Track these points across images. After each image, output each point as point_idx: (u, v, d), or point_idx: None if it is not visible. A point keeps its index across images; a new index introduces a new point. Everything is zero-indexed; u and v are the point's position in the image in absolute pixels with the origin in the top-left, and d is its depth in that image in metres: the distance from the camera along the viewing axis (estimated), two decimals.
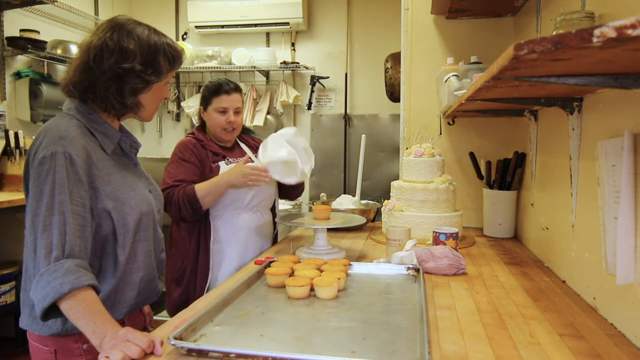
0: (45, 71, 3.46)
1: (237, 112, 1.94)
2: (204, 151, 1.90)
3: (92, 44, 1.16)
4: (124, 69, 1.16)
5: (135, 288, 1.23)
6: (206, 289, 1.87)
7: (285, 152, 1.76)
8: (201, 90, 2.01)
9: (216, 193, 1.80)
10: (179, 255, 1.89)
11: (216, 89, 1.91)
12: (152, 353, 0.93)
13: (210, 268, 1.87)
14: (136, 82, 1.18)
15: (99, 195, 1.14)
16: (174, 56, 1.24)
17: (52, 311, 1.02)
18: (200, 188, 1.77)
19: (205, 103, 1.94)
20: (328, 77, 4.22)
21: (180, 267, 1.88)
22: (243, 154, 2.03)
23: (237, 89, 1.95)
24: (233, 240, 1.90)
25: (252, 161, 1.94)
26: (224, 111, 1.91)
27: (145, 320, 1.41)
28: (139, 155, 1.36)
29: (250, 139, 2.15)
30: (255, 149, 2.03)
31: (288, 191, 2.09)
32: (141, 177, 1.31)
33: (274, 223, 2.11)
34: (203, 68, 4.18)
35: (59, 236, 1.04)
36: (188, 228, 1.88)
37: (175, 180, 1.80)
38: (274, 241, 2.13)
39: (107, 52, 1.15)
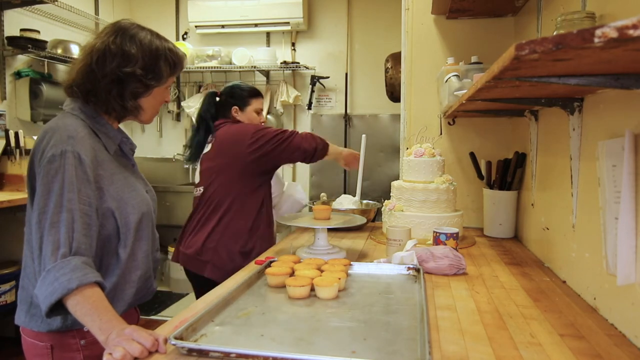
0: (46, 71, 3.46)
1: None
2: None
3: (95, 47, 1.18)
4: (125, 72, 1.18)
5: (134, 286, 1.25)
6: None
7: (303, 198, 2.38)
8: (230, 90, 2.15)
9: (329, 154, 2.10)
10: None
11: (255, 92, 2.17)
12: (156, 351, 0.93)
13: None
14: (137, 86, 1.21)
15: (103, 195, 1.15)
16: (175, 61, 1.27)
17: (56, 308, 1.02)
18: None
19: (243, 103, 2.14)
20: (328, 77, 4.22)
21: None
22: None
23: None
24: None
25: None
26: (260, 112, 2.18)
27: (138, 318, 1.42)
28: (139, 154, 1.37)
29: None
30: None
31: None
32: (139, 178, 1.33)
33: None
34: (203, 68, 4.18)
35: (67, 233, 1.05)
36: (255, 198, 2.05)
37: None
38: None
39: (110, 56, 1.17)
